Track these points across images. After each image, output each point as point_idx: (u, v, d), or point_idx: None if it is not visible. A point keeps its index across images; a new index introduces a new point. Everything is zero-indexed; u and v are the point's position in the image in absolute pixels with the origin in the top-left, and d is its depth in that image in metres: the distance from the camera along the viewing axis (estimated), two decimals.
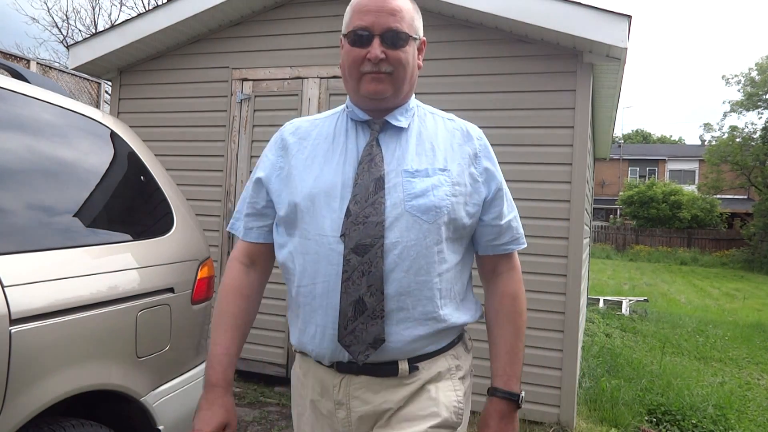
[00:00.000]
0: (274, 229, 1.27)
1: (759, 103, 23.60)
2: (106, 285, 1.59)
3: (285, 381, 3.81)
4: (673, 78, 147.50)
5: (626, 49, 3.18)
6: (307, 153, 1.22)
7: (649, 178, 30.99)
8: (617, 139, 35.45)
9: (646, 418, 3.87)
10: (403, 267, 1.10)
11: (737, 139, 24.13)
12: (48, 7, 24.72)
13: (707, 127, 28.06)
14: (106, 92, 8.07)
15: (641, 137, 51.91)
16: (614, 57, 3.32)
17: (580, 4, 3.22)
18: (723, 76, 25.84)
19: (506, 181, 1.28)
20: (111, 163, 1.93)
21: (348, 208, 1.11)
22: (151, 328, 1.75)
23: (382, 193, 1.12)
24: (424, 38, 1.25)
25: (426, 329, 1.13)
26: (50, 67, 7.53)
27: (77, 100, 1.94)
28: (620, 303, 9.36)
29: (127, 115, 4.36)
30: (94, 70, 4.42)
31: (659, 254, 22.61)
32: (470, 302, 1.25)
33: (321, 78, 3.88)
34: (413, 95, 1.28)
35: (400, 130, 1.21)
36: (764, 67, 23.35)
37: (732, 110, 24.82)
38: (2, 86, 1.57)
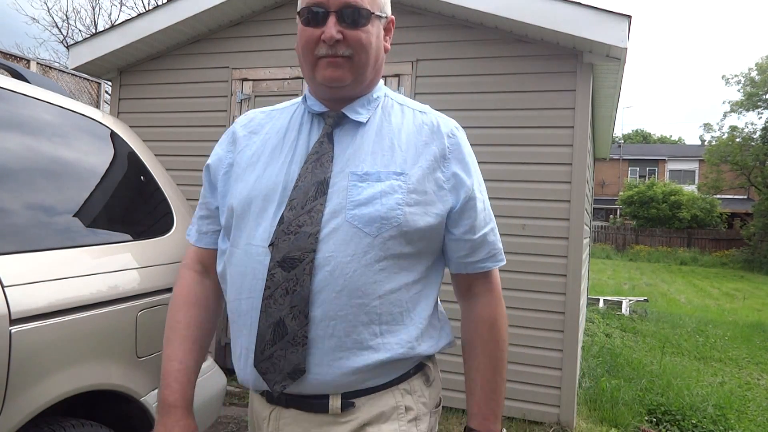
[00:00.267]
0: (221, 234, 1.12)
1: (759, 103, 23.60)
2: (106, 285, 1.59)
3: None
4: (673, 78, 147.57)
5: (626, 49, 3.18)
6: (254, 149, 1.07)
7: (649, 178, 30.99)
8: (617, 139, 35.45)
9: (646, 418, 3.87)
10: (334, 287, 0.94)
11: (737, 139, 24.13)
12: (48, 7, 24.70)
13: (707, 127, 28.02)
14: (106, 92, 8.07)
15: (641, 137, 51.91)
16: (614, 57, 3.32)
17: (580, 4, 3.22)
18: (723, 76, 25.85)
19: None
20: (111, 163, 1.93)
21: (282, 215, 0.97)
22: (151, 328, 1.74)
23: (323, 199, 0.96)
24: (392, 17, 1.09)
25: (362, 360, 0.95)
26: (50, 67, 7.53)
27: (77, 100, 1.94)
28: (620, 303, 9.36)
29: (127, 115, 4.36)
30: (94, 70, 4.42)
31: (659, 254, 22.61)
32: (432, 329, 1.05)
33: None
34: (380, 83, 1.11)
35: (358, 124, 1.04)
36: (764, 67, 23.35)
37: (732, 110, 24.82)
38: (2, 86, 1.57)
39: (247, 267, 0.98)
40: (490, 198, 1.14)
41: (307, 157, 1.01)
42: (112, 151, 1.96)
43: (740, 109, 24.39)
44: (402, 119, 1.06)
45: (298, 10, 1.02)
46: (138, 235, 1.88)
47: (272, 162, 1.04)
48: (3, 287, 1.29)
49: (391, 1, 1.11)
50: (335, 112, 1.04)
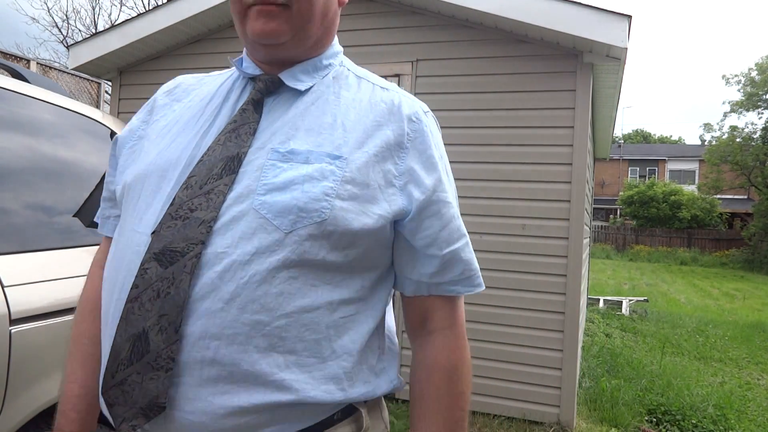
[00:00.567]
0: None
1: (759, 103, 23.61)
2: None
3: None
4: (673, 78, 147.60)
5: (626, 49, 3.18)
6: (171, 119, 0.87)
7: (649, 178, 31.00)
8: (617, 139, 35.48)
9: (646, 418, 3.88)
10: (222, 294, 0.69)
11: (737, 139, 24.14)
12: (48, 7, 24.71)
13: (707, 127, 28.04)
14: (106, 92, 8.07)
15: (641, 137, 51.92)
16: (614, 57, 3.33)
17: (580, 4, 3.22)
18: (723, 76, 25.84)
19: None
20: None
21: (176, 195, 0.75)
22: None
23: (230, 179, 0.74)
24: None
25: (256, 399, 0.70)
26: (50, 67, 7.53)
27: (77, 100, 1.94)
28: (620, 303, 9.36)
29: (127, 115, 4.36)
30: (94, 70, 4.43)
31: (659, 254, 22.62)
32: (368, 369, 0.79)
33: None
34: (336, 49, 0.90)
35: (296, 93, 0.83)
36: (764, 67, 23.36)
37: (732, 110, 24.83)
38: (2, 86, 1.57)
39: (123, 260, 0.76)
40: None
41: (225, 127, 0.80)
42: None
43: (740, 109, 24.40)
44: (357, 93, 0.85)
45: None
46: None
47: (184, 133, 0.83)
48: (3, 287, 1.29)
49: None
50: (269, 75, 0.83)
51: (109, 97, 7.32)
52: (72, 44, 4.39)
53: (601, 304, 9.16)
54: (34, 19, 26.58)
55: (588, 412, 3.81)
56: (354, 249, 0.76)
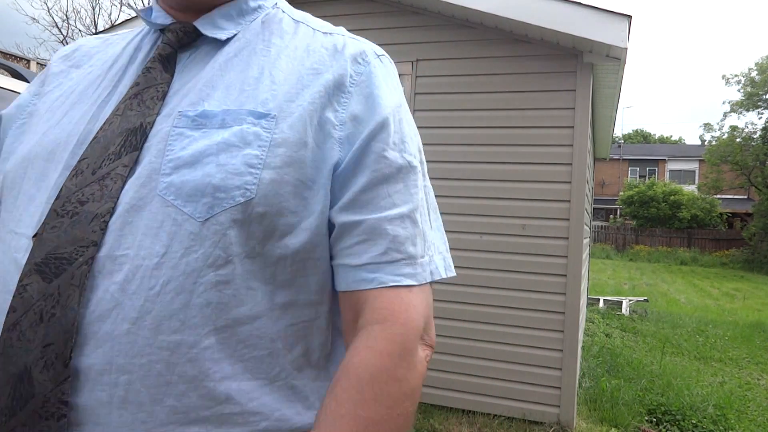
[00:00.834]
0: None
1: (759, 103, 23.62)
2: None
3: None
4: (673, 78, 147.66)
5: (626, 49, 3.18)
6: (66, 88, 0.70)
7: (649, 178, 31.01)
8: (617, 139, 35.48)
9: (646, 418, 3.88)
10: (126, 311, 0.53)
11: (737, 139, 24.14)
12: (48, 7, 24.68)
13: (707, 127, 28.07)
14: None
15: (641, 137, 51.94)
16: (614, 57, 3.33)
17: (580, 4, 3.22)
18: (723, 76, 25.79)
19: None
20: None
21: (63, 185, 0.59)
22: None
23: (133, 157, 0.58)
24: None
25: None
26: None
27: None
28: (620, 303, 9.37)
29: None
30: None
31: (659, 254, 22.62)
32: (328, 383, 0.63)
33: None
34: None
35: (217, 44, 0.67)
36: (764, 67, 23.37)
37: (732, 110, 24.84)
38: (2, 86, 1.57)
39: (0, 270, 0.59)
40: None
41: (126, 92, 0.64)
42: None
43: (740, 109, 24.41)
44: (291, 40, 0.68)
45: None
46: None
47: (78, 105, 0.66)
48: None
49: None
50: (181, 24, 0.67)
51: None
52: None
53: (601, 304, 9.16)
54: (34, 19, 26.58)
55: (588, 412, 3.81)
56: (297, 234, 0.59)
